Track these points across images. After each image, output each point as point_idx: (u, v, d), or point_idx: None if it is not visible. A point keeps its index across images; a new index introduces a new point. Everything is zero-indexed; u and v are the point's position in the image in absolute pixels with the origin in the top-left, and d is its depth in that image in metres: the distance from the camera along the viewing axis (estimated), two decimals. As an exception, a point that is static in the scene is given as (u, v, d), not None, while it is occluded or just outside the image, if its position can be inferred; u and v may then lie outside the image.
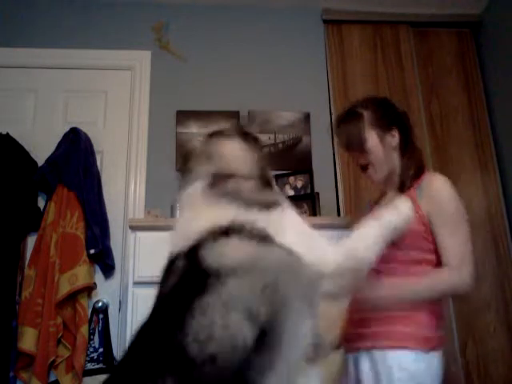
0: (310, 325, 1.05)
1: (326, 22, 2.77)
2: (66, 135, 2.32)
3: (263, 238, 1.04)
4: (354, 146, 1.35)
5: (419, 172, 1.35)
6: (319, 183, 2.43)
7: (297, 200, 2.25)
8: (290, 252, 1.03)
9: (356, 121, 1.34)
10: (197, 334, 0.89)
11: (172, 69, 2.59)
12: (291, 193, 2.36)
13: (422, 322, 1.22)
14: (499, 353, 2.29)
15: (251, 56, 2.67)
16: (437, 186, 1.29)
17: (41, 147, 2.31)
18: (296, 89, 2.61)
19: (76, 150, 2.26)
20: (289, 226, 1.09)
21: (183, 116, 2.50)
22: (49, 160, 2.24)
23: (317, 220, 2.09)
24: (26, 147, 2.29)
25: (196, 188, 1.17)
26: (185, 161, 1.31)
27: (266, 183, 1.21)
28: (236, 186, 1.15)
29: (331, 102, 2.63)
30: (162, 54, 2.62)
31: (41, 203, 2.26)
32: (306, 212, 2.27)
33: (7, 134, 2.28)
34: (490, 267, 2.41)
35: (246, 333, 0.91)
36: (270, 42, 2.71)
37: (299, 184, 2.40)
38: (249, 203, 1.10)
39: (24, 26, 2.57)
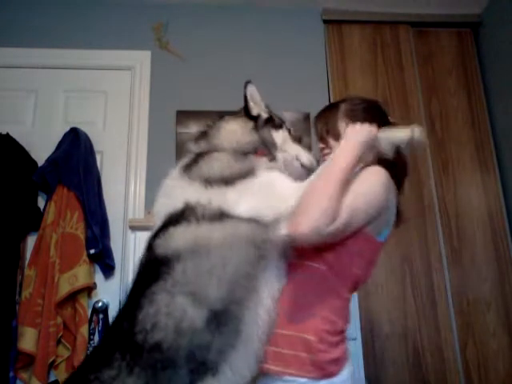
0: (274, 290, 1.05)
1: (326, 22, 2.77)
2: (65, 135, 2.32)
3: (216, 217, 1.04)
4: (324, 134, 1.32)
5: None
6: (319, 183, 2.43)
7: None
8: (238, 225, 1.02)
9: (332, 110, 1.33)
10: (144, 323, 0.92)
11: (172, 69, 2.59)
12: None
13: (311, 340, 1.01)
14: (499, 353, 2.29)
15: (251, 56, 2.67)
16: (370, 170, 1.14)
17: (41, 147, 2.31)
18: (296, 89, 2.61)
19: (76, 150, 2.26)
20: (253, 190, 1.08)
21: (183, 116, 2.50)
22: (49, 160, 2.24)
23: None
24: (26, 147, 2.29)
25: (175, 169, 1.19)
26: (191, 141, 1.31)
27: (245, 155, 1.18)
28: (204, 163, 1.15)
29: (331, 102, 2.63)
30: (162, 53, 2.62)
31: (41, 203, 2.26)
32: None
33: (7, 134, 2.27)
34: (490, 267, 2.41)
35: (192, 317, 0.92)
36: (269, 41, 2.71)
37: (299, 184, 2.40)
38: (211, 180, 1.10)
39: (24, 26, 2.57)
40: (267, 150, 1.24)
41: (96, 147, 2.37)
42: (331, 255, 1.07)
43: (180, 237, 1.03)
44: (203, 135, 1.29)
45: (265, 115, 1.32)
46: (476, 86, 2.73)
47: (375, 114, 1.30)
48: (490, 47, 2.75)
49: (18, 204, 2.16)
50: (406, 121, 2.61)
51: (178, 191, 1.13)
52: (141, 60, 2.59)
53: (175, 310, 0.93)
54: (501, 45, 2.64)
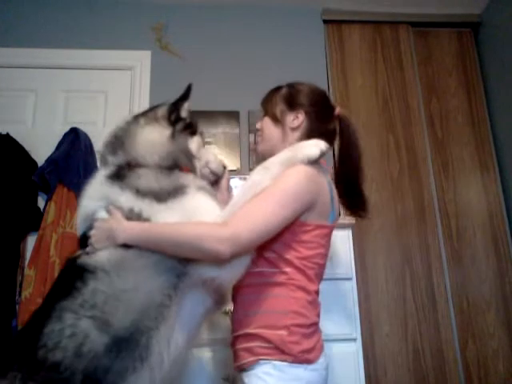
0: (191, 318, 1.05)
1: (326, 22, 2.77)
2: (66, 135, 2.32)
3: None
4: (260, 112, 1.34)
5: None
6: (319, 183, 2.43)
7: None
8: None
9: (275, 93, 1.34)
10: (48, 339, 0.92)
11: (172, 69, 2.59)
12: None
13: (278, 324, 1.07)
14: (499, 353, 2.29)
15: (251, 56, 2.67)
16: (288, 171, 1.12)
17: (41, 147, 2.31)
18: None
19: (76, 150, 2.26)
20: (182, 212, 1.07)
21: (183, 116, 2.50)
22: (49, 160, 2.24)
23: (317, 220, 2.08)
24: (26, 147, 2.29)
25: (98, 178, 1.17)
26: (105, 148, 1.26)
27: (170, 170, 1.16)
28: (132, 177, 1.12)
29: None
30: (162, 54, 2.62)
31: (41, 203, 2.26)
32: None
33: (7, 134, 2.27)
34: (490, 267, 2.41)
35: (94, 342, 0.92)
36: (269, 41, 2.71)
37: (299, 184, 2.40)
38: (143, 192, 1.08)
39: (24, 26, 2.57)
40: (187, 160, 1.22)
41: (96, 147, 2.37)
42: (288, 257, 1.10)
43: (103, 252, 1.03)
44: (118, 143, 1.23)
45: (187, 121, 1.30)
46: (476, 86, 2.73)
47: (313, 103, 1.29)
48: (490, 47, 2.75)
49: (17, 204, 2.16)
50: (406, 121, 2.63)
51: (111, 195, 1.11)
52: (141, 60, 2.58)
53: (78, 333, 0.92)
54: (501, 45, 2.64)
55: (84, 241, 1.09)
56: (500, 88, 2.64)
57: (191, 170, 1.23)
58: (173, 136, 1.24)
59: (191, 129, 1.29)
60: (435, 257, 2.40)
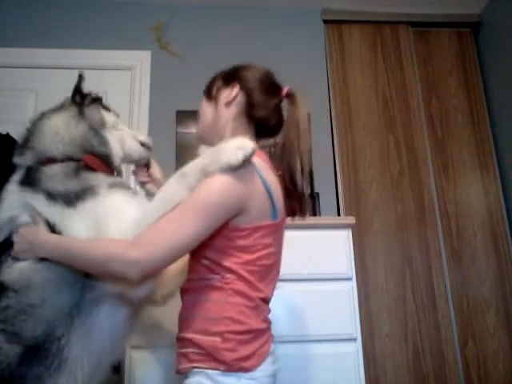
0: (107, 324, 1.05)
1: (326, 22, 2.77)
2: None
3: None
4: (204, 93, 1.28)
5: None
6: (319, 183, 2.43)
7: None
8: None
9: (217, 73, 1.27)
10: None
11: (172, 69, 2.59)
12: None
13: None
14: (499, 353, 2.29)
15: (251, 56, 2.66)
16: (207, 181, 1.01)
17: (41, 147, 2.31)
18: (296, 89, 2.61)
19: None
20: (93, 218, 1.03)
21: (183, 116, 2.50)
22: (49, 160, 2.24)
23: (317, 220, 2.09)
24: (26, 147, 2.29)
25: (11, 186, 1.12)
26: (15, 152, 1.18)
27: (79, 165, 1.10)
28: (42, 178, 1.08)
29: (331, 102, 2.63)
30: (162, 54, 2.62)
31: (41, 203, 2.26)
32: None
33: (7, 134, 2.27)
34: (490, 267, 2.41)
35: (7, 353, 0.96)
36: (269, 42, 2.71)
37: (299, 184, 2.40)
38: (54, 195, 1.05)
39: (24, 26, 2.57)
40: (95, 137, 1.14)
41: (96, 147, 2.37)
42: (227, 264, 1.03)
43: (20, 264, 1.03)
44: (25, 142, 1.16)
45: (93, 95, 1.24)
46: (476, 86, 2.73)
47: (252, 78, 1.19)
48: (490, 47, 2.75)
49: (17, 204, 2.16)
50: (406, 121, 2.63)
51: (27, 202, 1.07)
52: (141, 60, 2.59)
53: None
54: (501, 45, 2.64)
55: (2, 247, 1.07)
56: (500, 88, 2.64)
57: (102, 156, 1.15)
58: (80, 113, 1.18)
59: (102, 104, 1.24)
60: (435, 257, 2.40)
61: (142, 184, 1.38)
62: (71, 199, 1.04)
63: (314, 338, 1.66)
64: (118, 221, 1.03)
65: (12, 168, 2.30)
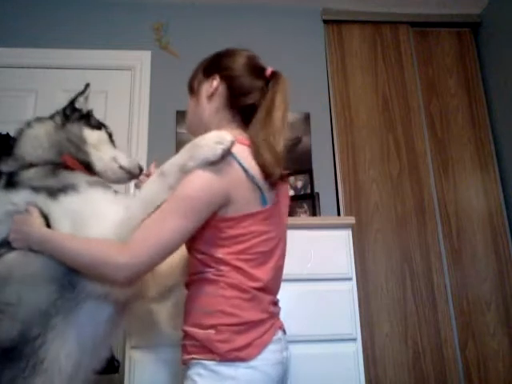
0: (87, 324, 1.03)
1: (325, 22, 2.77)
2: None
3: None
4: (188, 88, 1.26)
5: None
6: (319, 183, 2.43)
7: (297, 200, 2.25)
8: (46, 259, 1.00)
9: (200, 63, 1.26)
10: None
11: (172, 69, 2.59)
12: (291, 193, 2.36)
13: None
14: (499, 353, 2.29)
15: (251, 56, 2.67)
16: (187, 178, 1.02)
17: (41, 147, 2.31)
18: (296, 89, 2.60)
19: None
20: (74, 213, 1.03)
21: (183, 116, 2.49)
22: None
23: (317, 220, 2.09)
24: (26, 147, 2.29)
25: None
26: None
27: (57, 168, 1.12)
28: (23, 178, 1.09)
29: (331, 102, 2.63)
30: (162, 54, 2.62)
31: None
32: (306, 212, 2.27)
33: (7, 133, 2.27)
34: (490, 267, 2.41)
35: None
36: (269, 42, 2.70)
37: (299, 184, 2.40)
38: (37, 187, 1.06)
39: (24, 26, 2.57)
40: (74, 148, 1.16)
41: (96, 147, 2.37)
42: (219, 256, 1.04)
43: (5, 259, 1.01)
44: (9, 150, 1.19)
45: (84, 112, 1.25)
46: (476, 86, 2.73)
47: (230, 64, 1.19)
48: (489, 47, 2.75)
49: (17, 204, 2.16)
50: (406, 121, 2.63)
51: (11, 201, 1.08)
52: (141, 60, 2.59)
53: None
54: (501, 45, 2.64)
55: None
56: (500, 88, 2.64)
57: (83, 162, 1.16)
58: (62, 125, 1.19)
59: (89, 121, 1.24)
60: (435, 256, 2.40)
61: None
62: (53, 192, 1.05)
63: (314, 337, 1.66)
64: (99, 222, 1.03)
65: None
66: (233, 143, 1.00)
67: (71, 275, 1.01)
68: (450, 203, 2.52)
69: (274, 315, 1.08)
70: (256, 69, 1.18)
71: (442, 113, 2.67)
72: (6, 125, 2.32)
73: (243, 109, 1.14)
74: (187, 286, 1.12)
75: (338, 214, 2.41)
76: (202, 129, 1.13)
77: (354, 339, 1.69)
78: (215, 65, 1.19)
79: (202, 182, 0.99)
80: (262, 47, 2.68)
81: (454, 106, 2.68)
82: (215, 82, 1.16)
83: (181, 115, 2.50)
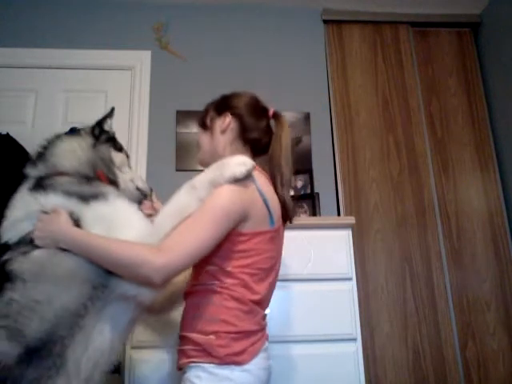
0: (110, 326, 1.05)
1: (325, 22, 2.77)
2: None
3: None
4: (200, 123, 1.36)
5: None
6: (319, 183, 2.43)
7: (297, 200, 2.25)
8: (79, 260, 1.02)
9: (208, 105, 1.36)
10: None
11: (172, 69, 2.59)
12: (291, 193, 2.36)
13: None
14: (499, 353, 2.29)
15: (251, 56, 2.67)
16: (216, 191, 1.13)
17: (41, 147, 2.31)
18: (296, 89, 2.61)
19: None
20: (105, 218, 1.09)
21: (183, 116, 2.50)
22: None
23: (317, 220, 2.09)
24: (26, 147, 2.28)
25: (21, 192, 1.18)
26: (27, 164, 1.27)
27: (90, 179, 1.18)
28: (54, 183, 1.14)
29: (331, 102, 2.63)
30: (162, 53, 2.62)
31: (41, 203, 2.26)
32: (306, 212, 2.27)
33: (7, 134, 2.27)
34: (490, 267, 2.41)
35: (5, 352, 0.92)
36: (269, 42, 2.71)
37: (299, 184, 2.40)
38: (69, 192, 1.10)
39: (24, 26, 2.57)
40: (105, 167, 1.25)
41: (96, 147, 2.37)
42: (228, 269, 1.13)
43: (33, 256, 1.02)
44: (39, 157, 1.26)
45: (110, 135, 1.34)
46: (476, 86, 2.73)
47: (240, 104, 1.30)
48: (489, 47, 2.75)
49: (17, 204, 2.16)
50: (407, 121, 2.63)
51: (38, 202, 1.12)
52: (141, 60, 2.59)
53: None
54: (501, 45, 2.64)
55: (4, 248, 1.07)
56: (500, 88, 2.64)
57: (111, 181, 1.25)
58: (94, 145, 1.27)
59: (115, 144, 1.33)
60: (435, 257, 2.40)
61: (147, 216, 1.46)
62: (85, 197, 1.10)
63: (314, 337, 1.67)
64: (130, 228, 1.09)
65: (12, 168, 2.29)
66: (254, 167, 1.15)
67: (104, 276, 1.03)
68: (450, 203, 2.52)
69: (264, 328, 1.20)
70: (260, 109, 1.33)
71: (441, 113, 2.67)
72: (6, 125, 2.32)
73: (252, 142, 1.29)
74: (188, 295, 1.20)
75: (338, 214, 2.41)
76: (217, 159, 1.22)
77: (354, 339, 1.70)
78: (226, 104, 1.32)
79: (231, 195, 1.11)
80: (262, 47, 2.70)
81: (453, 106, 2.68)
82: (227, 118, 1.29)
83: (181, 115, 2.50)
